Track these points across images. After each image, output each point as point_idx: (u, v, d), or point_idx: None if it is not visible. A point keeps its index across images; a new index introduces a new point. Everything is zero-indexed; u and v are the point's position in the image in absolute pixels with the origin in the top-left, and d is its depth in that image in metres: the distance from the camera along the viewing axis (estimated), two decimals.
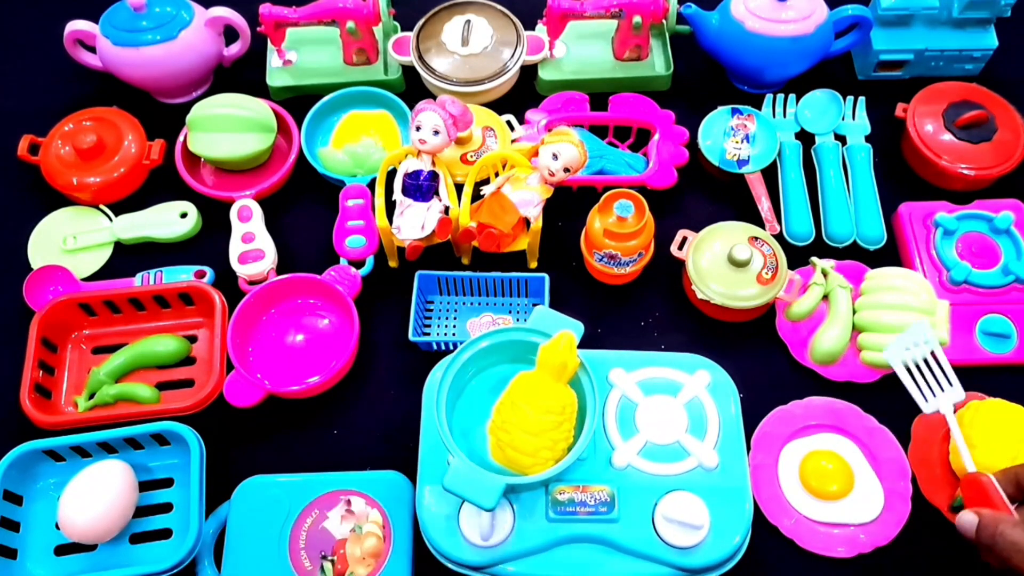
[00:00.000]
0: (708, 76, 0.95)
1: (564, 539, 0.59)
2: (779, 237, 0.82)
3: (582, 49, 0.95)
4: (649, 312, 0.81)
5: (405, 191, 0.76)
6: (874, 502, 0.68)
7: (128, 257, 0.85)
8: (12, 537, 0.68)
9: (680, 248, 0.79)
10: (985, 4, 0.87)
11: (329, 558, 0.65)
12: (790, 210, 0.84)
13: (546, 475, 0.55)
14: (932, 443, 0.71)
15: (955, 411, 0.63)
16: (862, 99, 0.90)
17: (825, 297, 0.78)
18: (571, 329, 0.61)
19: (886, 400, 0.74)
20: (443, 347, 0.77)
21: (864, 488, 0.69)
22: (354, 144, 0.86)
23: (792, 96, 0.90)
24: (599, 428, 0.63)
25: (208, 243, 0.85)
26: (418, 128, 0.74)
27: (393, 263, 0.82)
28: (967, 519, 0.42)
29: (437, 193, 0.76)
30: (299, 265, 0.82)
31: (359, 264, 0.81)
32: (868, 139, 0.88)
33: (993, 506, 0.40)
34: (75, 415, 0.74)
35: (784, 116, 0.90)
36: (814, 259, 0.78)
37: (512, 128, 0.88)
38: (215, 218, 0.85)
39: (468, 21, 0.92)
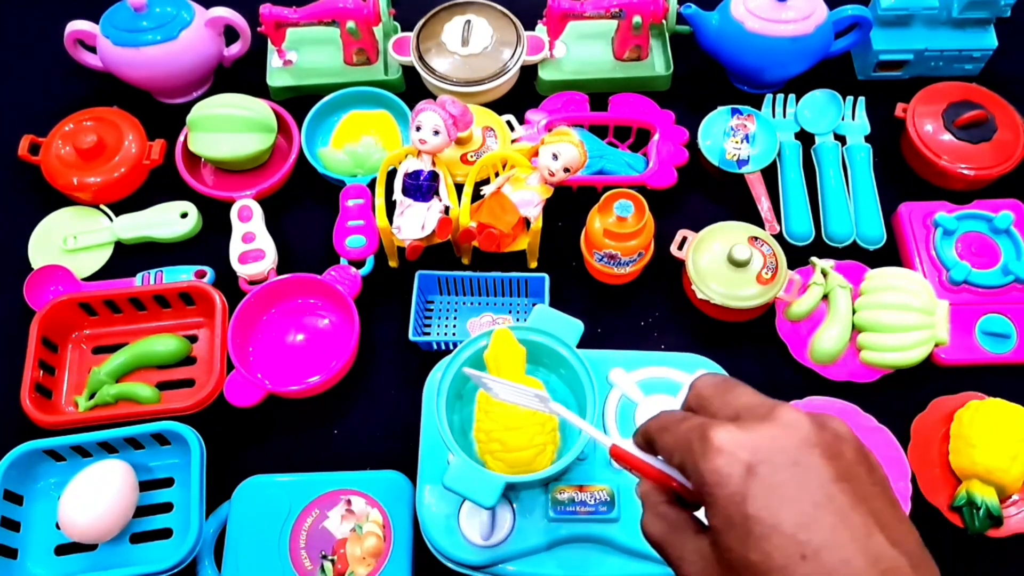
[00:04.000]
0: (708, 76, 0.95)
1: (564, 539, 0.59)
2: (779, 237, 0.82)
3: (582, 49, 0.95)
4: (649, 312, 0.81)
5: (405, 191, 0.76)
6: None
7: (128, 257, 0.85)
8: (12, 537, 0.68)
9: (680, 248, 0.79)
10: (985, 4, 0.87)
11: (329, 558, 0.66)
12: (790, 210, 0.84)
13: (546, 474, 0.55)
14: (932, 443, 0.71)
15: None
16: (862, 99, 0.90)
17: (825, 297, 0.78)
18: (571, 328, 0.61)
19: (886, 400, 0.74)
20: (443, 347, 0.77)
21: None
22: (354, 144, 0.86)
23: (792, 96, 0.90)
24: (599, 428, 0.63)
25: (208, 243, 0.85)
26: (418, 128, 0.74)
27: (393, 263, 0.82)
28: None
29: (437, 193, 0.76)
30: (299, 265, 0.82)
31: (359, 264, 0.81)
32: (868, 139, 0.88)
33: (637, 467, 0.40)
34: (75, 415, 0.74)
35: (784, 116, 0.90)
36: (814, 259, 0.79)
37: (512, 128, 0.88)
38: (215, 218, 0.85)
39: (468, 21, 0.92)
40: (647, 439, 0.39)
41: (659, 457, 0.39)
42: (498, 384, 0.47)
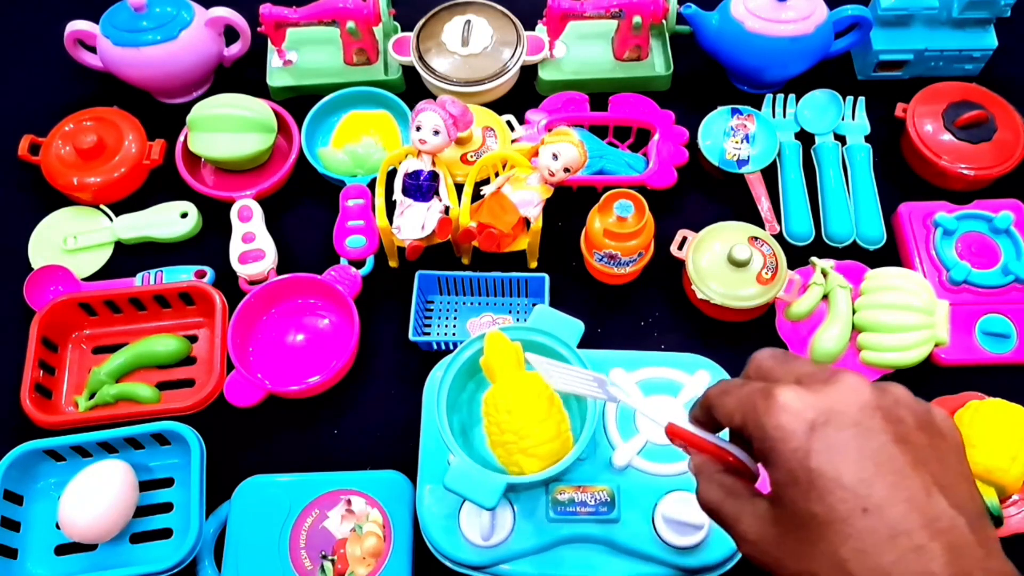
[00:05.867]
0: (708, 76, 0.95)
1: (564, 539, 0.59)
2: (779, 237, 0.82)
3: (582, 49, 0.95)
4: (649, 312, 0.81)
5: (405, 191, 0.76)
6: None
7: (128, 257, 0.85)
8: (12, 537, 0.68)
9: (680, 248, 0.79)
10: (985, 4, 0.87)
11: (329, 558, 0.66)
12: (790, 210, 0.84)
13: (546, 474, 0.55)
14: None
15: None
16: (862, 99, 0.90)
17: (825, 297, 0.78)
18: (571, 328, 0.61)
19: None
20: (443, 347, 0.77)
21: None
22: (354, 144, 0.86)
23: (792, 96, 0.90)
24: (599, 428, 0.63)
25: (208, 243, 0.85)
26: (418, 128, 0.74)
27: (393, 263, 0.82)
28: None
29: (437, 193, 0.76)
30: (299, 265, 0.82)
31: (359, 264, 0.81)
32: (868, 139, 0.88)
33: (694, 444, 0.41)
34: (75, 415, 0.74)
35: (784, 116, 0.90)
36: (814, 259, 0.79)
37: (512, 128, 0.88)
38: (215, 218, 0.85)
39: (468, 21, 0.92)
40: (705, 407, 0.41)
41: (716, 434, 0.41)
42: (555, 370, 0.47)
